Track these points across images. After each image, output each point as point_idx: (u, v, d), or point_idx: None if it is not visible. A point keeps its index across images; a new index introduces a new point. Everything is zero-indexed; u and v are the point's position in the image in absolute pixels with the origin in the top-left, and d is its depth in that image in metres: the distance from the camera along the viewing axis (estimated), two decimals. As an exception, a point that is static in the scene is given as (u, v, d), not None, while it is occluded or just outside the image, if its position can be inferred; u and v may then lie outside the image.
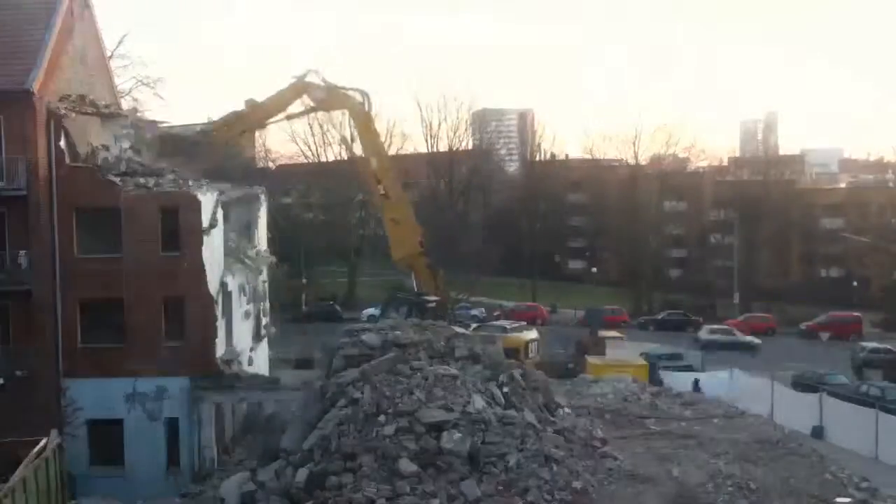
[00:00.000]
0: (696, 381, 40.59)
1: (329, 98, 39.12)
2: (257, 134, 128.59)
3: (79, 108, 33.01)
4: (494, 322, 61.24)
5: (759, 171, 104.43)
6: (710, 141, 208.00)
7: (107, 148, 34.04)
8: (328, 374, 27.24)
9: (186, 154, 37.83)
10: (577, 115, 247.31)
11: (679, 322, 76.66)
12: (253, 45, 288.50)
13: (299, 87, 38.60)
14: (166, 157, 36.09)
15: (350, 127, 46.41)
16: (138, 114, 57.24)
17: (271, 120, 40.26)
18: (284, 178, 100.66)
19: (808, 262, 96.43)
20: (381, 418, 23.21)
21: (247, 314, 37.81)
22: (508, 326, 52.03)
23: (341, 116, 45.19)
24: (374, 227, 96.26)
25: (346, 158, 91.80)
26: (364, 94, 38.85)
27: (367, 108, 38.85)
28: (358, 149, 41.84)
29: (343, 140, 45.30)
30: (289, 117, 41.32)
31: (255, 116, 39.01)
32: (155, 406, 31.31)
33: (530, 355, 46.44)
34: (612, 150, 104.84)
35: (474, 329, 44.39)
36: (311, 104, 39.85)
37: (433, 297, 39.36)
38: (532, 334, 50.63)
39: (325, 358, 29.09)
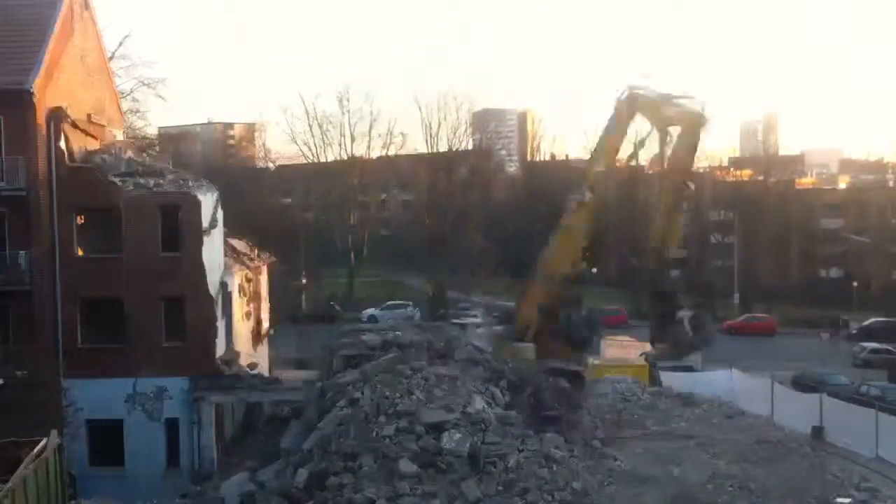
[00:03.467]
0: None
1: (664, 113, 31.26)
2: (257, 134, 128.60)
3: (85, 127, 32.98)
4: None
5: (759, 171, 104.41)
6: (710, 141, 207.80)
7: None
8: (328, 374, 27.24)
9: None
10: (577, 115, 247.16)
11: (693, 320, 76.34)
12: (253, 45, 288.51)
13: (633, 108, 32.56)
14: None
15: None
16: (138, 114, 57.61)
17: (619, 156, 35.48)
18: (284, 178, 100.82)
19: (808, 262, 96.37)
20: (381, 418, 23.20)
21: (247, 314, 37.83)
22: None
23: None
24: (375, 227, 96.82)
25: (346, 158, 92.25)
26: (703, 103, 31.67)
27: (705, 122, 31.04)
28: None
29: (639, 144, 36.40)
30: (640, 146, 36.01)
31: (608, 160, 34.50)
32: (155, 406, 31.35)
33: None
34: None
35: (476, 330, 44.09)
36: (647, 123, 32.73)
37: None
38: None
39: (324, 358, 29.09)
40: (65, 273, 30.95)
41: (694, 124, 30.55)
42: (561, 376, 28.72)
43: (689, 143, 30.91)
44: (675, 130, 31.14)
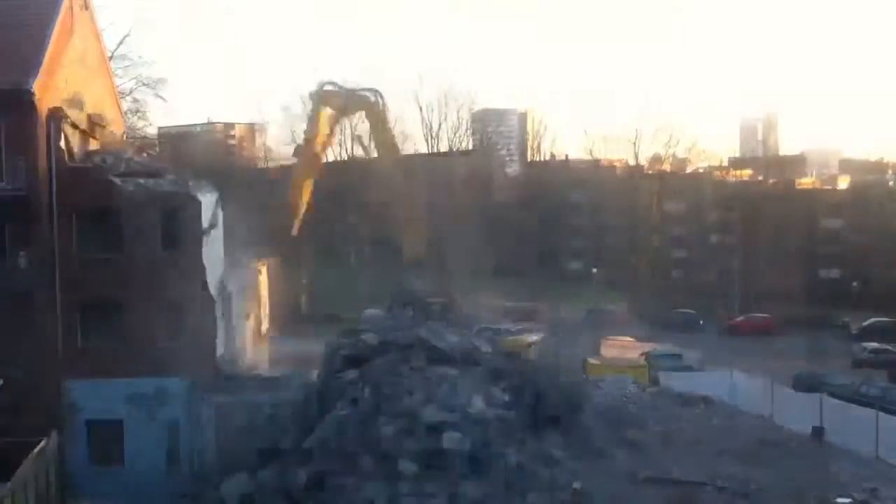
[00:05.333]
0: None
1: (347, 102, 39.23)
2: (257, 134, 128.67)
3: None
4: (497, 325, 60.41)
5: (759, 171, 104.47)
6: (710, 141, 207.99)
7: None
8: (328, 374, 27.25)
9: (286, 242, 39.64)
10: (577, 115, 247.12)
11: (690, 320, 76.66)
12: (253, 45, 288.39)
13: (320, 100, 38.96)
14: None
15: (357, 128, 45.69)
16: (138, 114, 57.60)
17: (319, 148, 40.41)
18: (284, 179, 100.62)
19: (808, 262, 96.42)
20: (381, 419, 23.21)
21: (247, 314, 37.81)
22: (512, 329, 52.08)
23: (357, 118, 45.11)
24: (376, 227, 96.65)
25: (345, 158, 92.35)
26: (377, 93, 38.96)
27: (381, 107, 39.05)
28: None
29: (358, 139, 45.04)
30: (329, 138, 41.48)
31: (309, 157, 39.66)
32: (155, 406, 31.31)
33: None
34: (613, 150, 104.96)
35: (477, 331, 44.19)
36: (333, 114, 39.73)
37: (439, 299, 38.94)
38: (534, 337, 50.61)
39: (324, 358, 29.09)
40: (65, 273, 30.89)
41: (372, 108, 38.78)
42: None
43: (376, 124, 39.43)
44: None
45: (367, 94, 39.22)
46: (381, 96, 38.88)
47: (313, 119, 39.29)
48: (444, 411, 23.29)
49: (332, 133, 41.63)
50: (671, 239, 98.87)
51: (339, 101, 38.74)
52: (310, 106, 39.42)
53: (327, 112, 39.20)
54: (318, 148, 40.18)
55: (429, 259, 40.50)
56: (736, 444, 26.80)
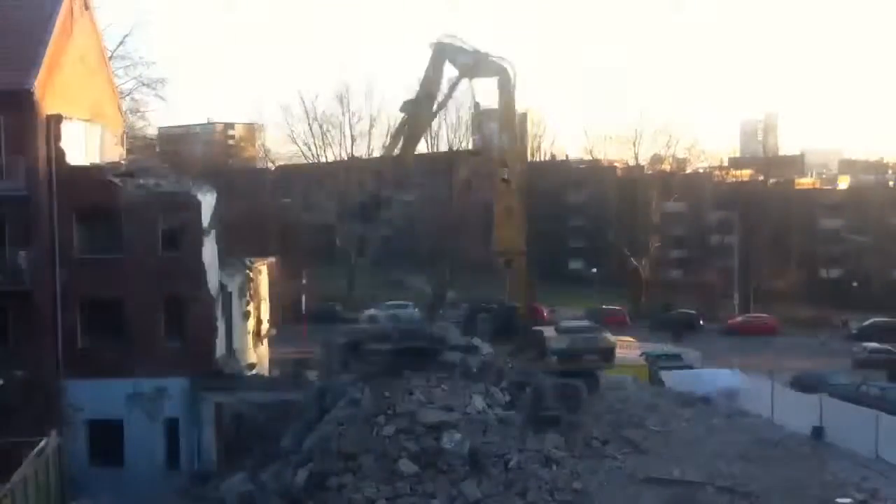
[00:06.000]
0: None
1: (477, 64, 33.85)
2: (257, 134, 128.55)
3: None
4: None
5: (759, 171, 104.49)
6: (710, 141, 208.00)
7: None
8: (328, 374, 27.25)
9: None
10: (577, 115, 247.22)
11: (689, 320, 76.68)
12: (253, 45, 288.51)
13: (442, 54, 33.74)
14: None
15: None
16: (138, 114, 57.66)
17: (438, 102, 35.18)
18: (284, 179, 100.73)
19: (808, 262, 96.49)
20: (381, 419, 23.22)
21: (246, 314, 37.82)
22: None
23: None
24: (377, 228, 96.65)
25: (345, 158, 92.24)
26: (512, 65, 34.26)
27: (514, 78, 34.23)
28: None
29: (476, 114, 38.87)
30: (447, 99, 36.05)
31: (422, 110, 34.22)
32: (155, 406, 31.33)
33: None
34: (613, 150, 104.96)
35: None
36: (454, 75, 34.29)
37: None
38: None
39: (325, 358, 29.09)
40: (65, 273, 30.94)
41: (506, 77, 33.81)
42: (575, 377, 28.80)
43: (507, 99, 34.39)
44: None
45: (504, 62, 34.32)
46: (515, 71, 34.23)
47: (434, 75, 33.78)
48: (444, 411, 23.28)
49: (450, 96, 36.18)
50: (671, 239, 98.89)
51: (468, 59, 33.68)
52: (429, 58, 33.44)
53: (448, 71, 34.12)
54: (434, 108, 35.32)
55: (524, 259, 35.43)
56: (736, 444, 26.77)
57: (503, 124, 35.78)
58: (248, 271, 38.23)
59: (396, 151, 34.18)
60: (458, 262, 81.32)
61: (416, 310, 69.15)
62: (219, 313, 32.43)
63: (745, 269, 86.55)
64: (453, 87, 35.12)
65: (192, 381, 31.21)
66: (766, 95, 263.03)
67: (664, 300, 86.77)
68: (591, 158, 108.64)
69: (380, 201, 33.94)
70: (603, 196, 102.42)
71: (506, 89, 34.33)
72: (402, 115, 34.36)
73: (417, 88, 33.79)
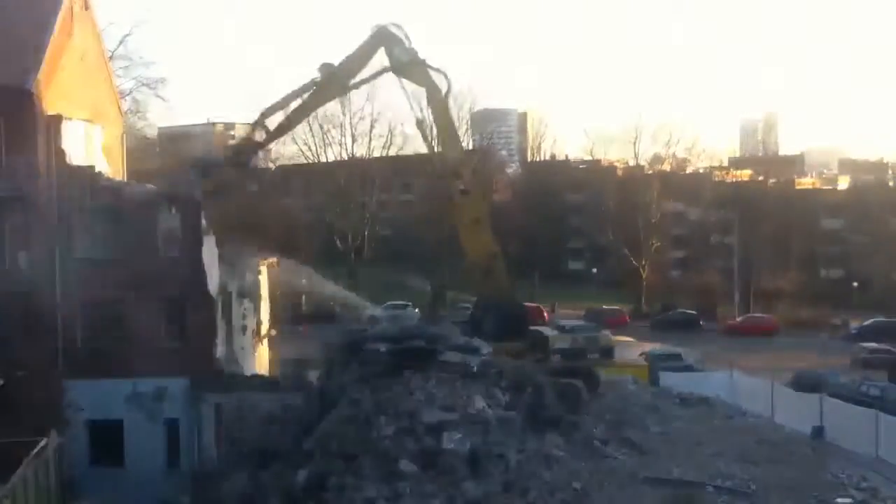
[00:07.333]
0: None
1: (410, 66, 33.42)
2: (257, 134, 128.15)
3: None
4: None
5: (759, 171, 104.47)
6: (710, 141, 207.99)
7: None
8: (328, 374, 27.24)
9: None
10: (577, 115, 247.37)
11: (689, 320, 76.65)
12: (253, 45, 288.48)
13: (380, 38, 33.35)
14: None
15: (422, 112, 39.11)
16: (138, 114, 57.62)
17: (353, 81, 34.86)
18: (284, 179, 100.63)
19: (809, 263, 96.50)
20: (381, 419, 23.21)
21: (246, 315, 37.80)
22: None
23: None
24: (377, 227, 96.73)
25: (345, 159, 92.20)
26: (447, 78, 33.86)
27: (446, 95, 34.13)
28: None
29: (419, 123, 38.57)
30: (363, 82, 35.96)
31: (335, 82, 33.88)
32: (155, 406, 31.32)
33: None
34: (613, 150, 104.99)
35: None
36: (385, 64, 34.03)
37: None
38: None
39: (325, 358, 29.08)
40: (65, 273, 30.92)
41: (436, 92, 33.52)
42: (574, 377, 28.88)
43: (440, 112, 34.15)
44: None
45: (438, 74, 33.90)
46: (450, 82, 34.00)
47: (361, 55, 33.43)
48: (444, 411, 23.27)
49: (367, 81, 36.01)
50: (671, 239, 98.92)
51: (404, 56, 33.19)
52: (366, 38, 33.12)
53: (378, 58, 33.93)
54: (348, 85, 35.08)
55: (502, 262, 35.08)
56: (736, 444, 26.77)
57: (444, 139, 35.44)
58: (248, 271, 38.20)
59: (293, 106, 33.91)
60: (458, 261, 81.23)
61: (416, 310, 69.19)
62: (218, 313, 32.41)
63: (745, 269, 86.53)
64: (377, 73, 34.70)
65: (193, 381, 31.19)
66: (766, 95, 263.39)
67: (664, 300, 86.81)
68: (591, 158, 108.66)
69: (252, 148, 34.54)
70: (603, 196, 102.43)
71: (436, 103, 34.03)
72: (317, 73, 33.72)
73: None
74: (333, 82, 33.75)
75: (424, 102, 35.73)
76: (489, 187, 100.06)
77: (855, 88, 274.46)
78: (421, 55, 33.30)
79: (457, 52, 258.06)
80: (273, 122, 35.13)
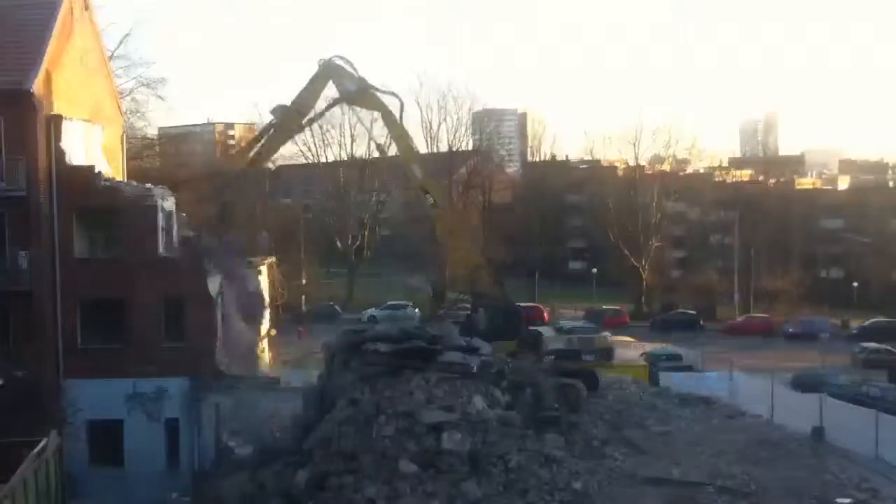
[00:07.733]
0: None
1: (359, 94, 34.47)
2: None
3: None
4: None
5: (759, 172, 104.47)
6: (710, 141, 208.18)
7: None
8: (328, 374, 27.23)
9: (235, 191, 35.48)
10: (577, 115, 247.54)
11: (689, 320, 76.63)
12: (253, 45, 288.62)
13: (328, 72, 33.93)
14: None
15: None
16: (138, 114, 57.58)
17: (308, 118, 35.62)
18: (284, 179, 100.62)
19: (808, 262, 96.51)
20: (382, 419, 23.20)
21: (246, 315, 37.77)
22: None
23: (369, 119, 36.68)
24: (377, 227, 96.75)
25: (345, 159, 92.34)
26: (399, 99, 34.68)
27: (399, 117, 34.51)
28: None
29: (378, 146, 40.39)
30: (318, 116, 36.96)
31: (291, 121, 34.49)
32: (155, 406, 31.33)
33: None
34: (613, 150, 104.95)
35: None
36: (337, 96, 35.10)
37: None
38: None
39: (325, 358, 29.08)
40: (65, 273, 30.92)
41: (389, 116, 34.19)
42: (574, 377, 28.93)
43: (395, 134, 34.45)
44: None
45: (388, 96, 34.85)
46: (402, 104, 34.66)
47: (312, 91, 34.14)
48: (444, 411, 23.27)
49: (322, 114, 37.59)
50: (671, 239, 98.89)
51: (352, 86, 33.95)
52: (314, 74, 33.79)
53: (329, 91, 34.73)
54: (303, 122, 35.71)
55: (486, 272, 34.88)
56: (736, 444, 26.80)
57: (405, 158, 35.72)
58: (247, 271, 38.16)
59: (251, 154, 34.70)
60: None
61: (416, 310, 69.22)
62: (218, 313, 32.42)
63: (745, 269, 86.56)
64: (329, 106, 36.47)
65: (193, 381, 31.20)
66: (766, 95, 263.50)
67: (664, 300, 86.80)
68: (591, 158, 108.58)
69: (229, 209, 34.49)
70: (603, 196, 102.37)
71: (391, 124, 34.70)
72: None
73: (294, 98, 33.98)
74: (289, 121, 34.56)
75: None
76: (488, 188, 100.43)
77: (855, 88, 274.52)
78: (368, 81, 34.33)
79: (457, 51, 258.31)
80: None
